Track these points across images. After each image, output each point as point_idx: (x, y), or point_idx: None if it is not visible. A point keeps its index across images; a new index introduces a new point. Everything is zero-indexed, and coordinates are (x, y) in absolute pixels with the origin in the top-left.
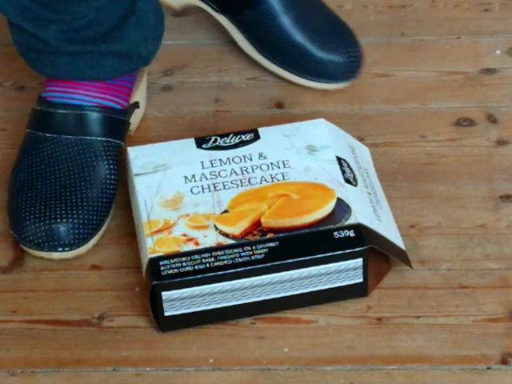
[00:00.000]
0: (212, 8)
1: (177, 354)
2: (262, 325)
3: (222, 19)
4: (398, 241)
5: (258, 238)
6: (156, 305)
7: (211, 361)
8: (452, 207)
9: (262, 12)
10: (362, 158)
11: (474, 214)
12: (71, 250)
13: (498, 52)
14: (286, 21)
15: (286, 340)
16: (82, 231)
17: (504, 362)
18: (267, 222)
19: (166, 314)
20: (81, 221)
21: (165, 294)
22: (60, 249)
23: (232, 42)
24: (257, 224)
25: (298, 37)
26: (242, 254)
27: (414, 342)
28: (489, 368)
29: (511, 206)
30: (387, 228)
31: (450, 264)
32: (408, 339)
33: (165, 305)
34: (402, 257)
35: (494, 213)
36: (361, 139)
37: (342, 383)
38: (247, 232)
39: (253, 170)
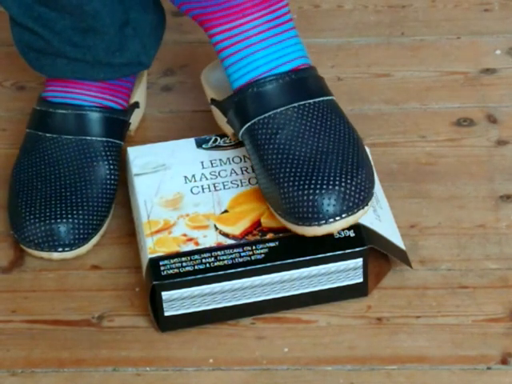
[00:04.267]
0: None
1: (177, 353)
2: (261, 325)
3: None
4: (398, 241)
5: (257, 238)
6: (156, 305)
7: (211, 361)
8: (452, 207)
9: None
10: None
11: (474, 214)
12: (71, 250)
13: (498, 52)
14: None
15: (285, 340)
16: (82, 231)
17: (504, 362)
18: (267, 221)
19: (166, 314)
20: (81, 221)
21: (165, 294)
22: (60, 249)
23: None
24: (257, 224)
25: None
26: (242, 254)
27: (414, 342)
28: (489, 368)
29: (511, 206)
30: (387, 228)
31: (449, 264)
32: (408, 339)
33: (165, 305)
34: (402, 257)
35: (494, 213)
36: None
37: (341, 383)
38: (247, 232)
39: (253, 170)
